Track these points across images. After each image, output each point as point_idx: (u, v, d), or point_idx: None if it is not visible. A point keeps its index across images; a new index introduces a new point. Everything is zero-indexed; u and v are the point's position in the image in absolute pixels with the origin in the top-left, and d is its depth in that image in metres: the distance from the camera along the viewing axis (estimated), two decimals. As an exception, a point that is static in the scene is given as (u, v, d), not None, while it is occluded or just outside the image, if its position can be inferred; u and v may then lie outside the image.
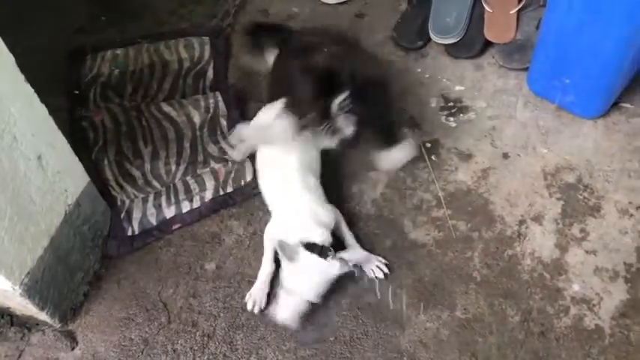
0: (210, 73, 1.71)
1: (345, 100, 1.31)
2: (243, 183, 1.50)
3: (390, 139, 1.47)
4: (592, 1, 1.32)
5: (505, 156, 1.51)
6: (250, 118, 1.57)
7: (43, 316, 1.30)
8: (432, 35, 1.72)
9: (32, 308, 1.26)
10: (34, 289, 1.20)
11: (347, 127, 1.35)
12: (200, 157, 1.54)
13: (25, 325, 1.34)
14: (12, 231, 1.11)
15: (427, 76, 1.69)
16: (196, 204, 1.47)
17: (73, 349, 1.31)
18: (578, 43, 1.41)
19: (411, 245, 1.40)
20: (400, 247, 1.40)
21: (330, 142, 1.40)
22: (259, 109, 1.53)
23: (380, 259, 1.36)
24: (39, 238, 1.20)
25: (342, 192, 1.49)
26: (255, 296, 1.33)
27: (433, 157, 1.53)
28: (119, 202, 1.47)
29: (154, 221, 1.45)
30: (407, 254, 1.38)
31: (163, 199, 1.48)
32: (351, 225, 1.42)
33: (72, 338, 1.33)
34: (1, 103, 1.03)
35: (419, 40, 1.73)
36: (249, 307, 1.33)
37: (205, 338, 1.31)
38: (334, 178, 1.51)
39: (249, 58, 1.70)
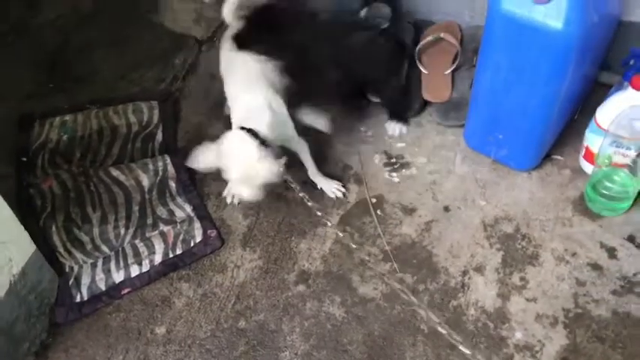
0: (159, 137, 1.74)
1: None
2: (192, 244, 1.51)
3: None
4: (516, 62, 1.42)
5: (446, 209, 1.58)
6: (198, 180, 1.61)
7: (-14, 390, 1.27)
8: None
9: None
10: (-24, 363, 1.18)
11: None
12: (149, 220, 1.56)
13: (-32, 400, 1.31)
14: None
15: (369, 134, 1.76)
16: (145, 267, 1.48)
17: (18, 423, 1.28)
18: (507, 101, 1.50)
19: (360, 300, 1.43)
20: (350, 302, 1.42)
21: None
22: (216, 172, 1.57)
23: (338, 183, 1.60)
24: (-18, 310, 1.19)
25: (290, 249, 1.52)
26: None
27: (379, 212, 1.58)
28: (67, 269, 1.46)
29: (102, 286, 1.45)
30: (356, 309, 1.41)
31: (112, 263, 1.48)
32: (301, 282, 1.45)
33: (17, 412, 1.30)
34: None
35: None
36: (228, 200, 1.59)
37: (156, 404, 1.30)
38: (283, 233, 1.55)
39: (198, 120, 1.75)
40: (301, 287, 1.46)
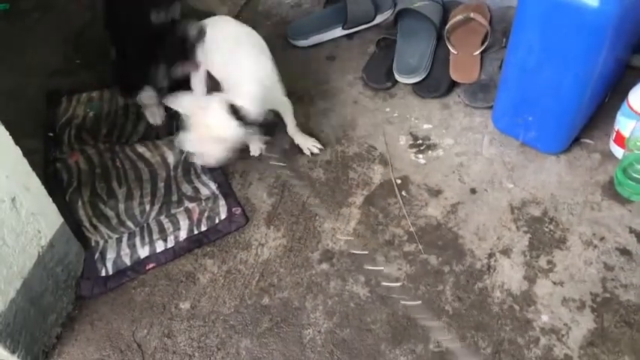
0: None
1: None
2: (217, 221, 1.51)
3: None
4: (549, 42, 1.39)
5: (473, 191, 1.56)
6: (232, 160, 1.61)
7: (13, 359, 1.28)
8: (396, 75, 1.78)
9: (2, 352, 1.24)
10: (5, 332, 1.19)
11: None
12: (174, 197, 1.56)
13: (-4, 369, 1.33)
14: (-17, 275, 1.12)
15: (396, 115, 1.74)
16: (170, 243, 1.48)
17: (45, 392, 1.30)
18: (538, 82, 1.48)
19: (384, 280, 1.42)
20: (373, 282, 1.42)
21: None
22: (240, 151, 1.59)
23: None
24: (11, 281, 1.20)
25: (314, 228, 1.52)
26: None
27: (404, 193, 1.57)
28: (93, 243, 1.47)
29: (128, 261, 1.46)
30: (380, 289, 1.40)
31: (137, 239, 1.48)
32: (325, 261, 1.45)
33: (44, 382, 1.32)
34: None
35: (387, 81, 1.79)
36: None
37: (180, 379, 1.31)
38: (307, 213, 1.54)
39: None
40: (325, 266, 1.45)
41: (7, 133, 1.12)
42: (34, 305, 1.27)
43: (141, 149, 1.64)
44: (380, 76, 1.80)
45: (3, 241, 1.14)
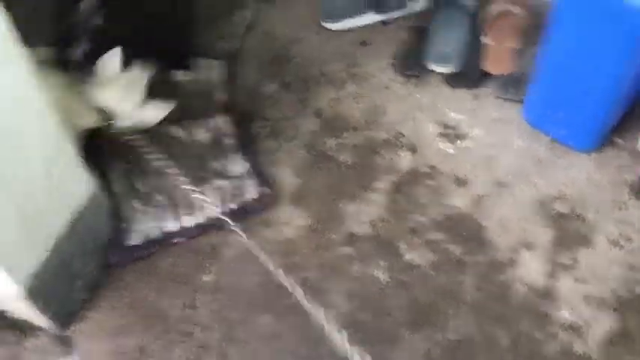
0: (220, 96, 1.73)
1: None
2: (245, 200, 1.53)
3: None
4: (586, 39, 1.38)
5: (500, 184, 1.56)
6: (254, 139, 1.63)
7: (39, 320, 1.32)
8: (428, 63, 1.77)
9: (29, 312, 1.28)
10: (36, 291, 1.22)
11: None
12: (204, 174, 1.57)
13: (20, 329, 1.36)
14: (19, 235, 1.14)
15: (426, 103, 1.74)
16: (198, 219, 1.50)
17: (69, 354, 1.33)
18: (572, 79, 1.47)
19: (406, 266, 1.43)
20: (395, 268, 1.43)
21: None
22: (264, 127, 1.60)
23: None
24: (44, 243, 1.22)
25: (339, 210, 1.53)
26: None
27: (430, 182, 1.57)
28: (122, 213, 1.49)
29: (155, 233, 1.48)
30: (402, 275, 1.41)
31: (166, 213, 1.50)
32: (348, 244, 1.46)
33: (68, 344, 1.35)
34: (17, 110, 1.06)
35: (419, 69, 1.79)
36: None
37: (200, 349, 1.33)
38: (333, 195, 1.55)
39: (254, 78, 1.76)
40: (348, 249, 1.47)
41: (46, 97, 1.14)
42: (64, 268, 1.30)
43: (173, 127, 1.65)
44: (412, 63, 1.79)
45: (38, 203, 1.17)
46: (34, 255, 1.20)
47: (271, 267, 1.44)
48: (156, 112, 1.59)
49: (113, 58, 1.57)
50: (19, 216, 1.13)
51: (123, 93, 1.57)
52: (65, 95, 1.49)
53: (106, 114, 1.54)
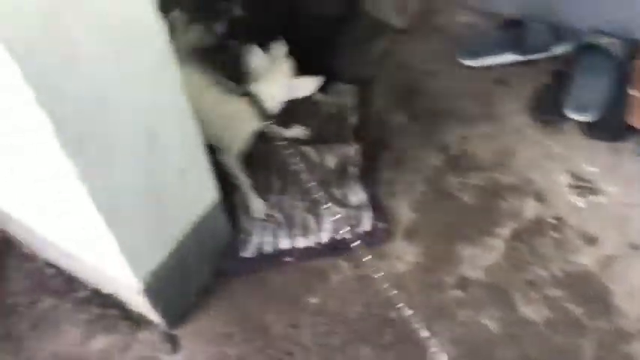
0: (352, 121, 1.75)
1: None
2: (360, 231, 1.52)
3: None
4: None
5: (634, 247, 1.44)
6: (376, 168, 1.63)
7: (153, 316, 1.38)
8: (567, 111, 1.68)
9: (145, 306, 1.34)
10: (153, 288, 1.28)
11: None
12: (324, 198, 1.58)
13: (136, 321, 1.43)
14: (146, 233, 1.21)
15: (559, 151, 1.65)
16: (311, 242, 1.51)
17: (174, 353, 1.38)
18: None
19: (520, 320, 1.35)
20: (508, 319, 1.35)
21: None
22: (387, 157, 1.59)
23: None
24: (167, 243, 1.28)
25: (454, 251, 1.48)
26: None
27: (555, 234, 1.48)
28: (241, 225, 1.53)
29: (268, 249, 1.51)
30: (514, 328, 1.34)
31: (281, 230, 1.53)
32: (459, 287, 1.41)
33: (175, 342, 1.40)
34: (163, 117, 1.12)
35: (556, 115, 1.70)
36: None
37: (298, 370, 1.34)
38: (449, 234, 1.51)
39: (383, 107, 1.77)
40: (458, 293, 1.42)
41: (189, 108, 1.20)
42: (181, 270, 1.35)
43: (304, 148, 1.68)
44: (549, 108, 1.72)
45: (168, 206, 1.23)
46: (156, 254, 1.26)
47: (377, 299, 1.42)
48: (305, 86, 1.58)
49: (256, 51, 1.59)
50: (150, 216, 1.19)
51: (275, 82, 1.57)
52: (224, 101, 1.54)
53: (264, 112, 1.56)
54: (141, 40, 1.01)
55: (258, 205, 1.55)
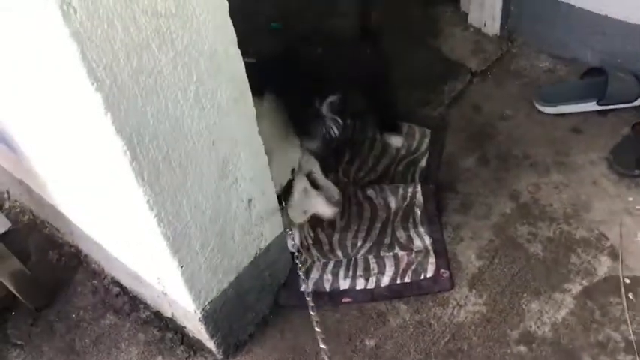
0: (422, 164, 1.74)
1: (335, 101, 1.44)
2: (422, 277, 1.49)
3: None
4: None
5: None
6: (442, 211, 1.60)
7: (210, 344, 1.39)
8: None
9: (203, 334, 1.35)
10: (211, 316, 1.30)
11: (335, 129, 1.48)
12: (387, 240, 1.57)
13: (192, 347, 1.44)
14: (209, 261, 1.22)
15: (638, 207, 1.57)
16: (371, 285, 1.49)
17: (226, 382, 1.39)
18: None
19: (587, 384, 1.28)
20: (573, 382, 1.29)
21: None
22: (454, 200, 1.56)
23: None
24: (228, 273, 1.30)
25: (519, 305, 1.42)
26: None
27: (630, 296, 1.40)
28: (302, 259, 1.53)
29: (327, 287, 1.50)
30: (580, 392, 1.27)
31: (342, 269, 1.52)
32: (523, 343, 1.35)
33: (228, 372, 1.40)
34: (236, 148, 1.14)
35: (637, 169, 1.63)
36: None
37: (348, 413, 1.31)
38: (515, 286, 1.46)
39: (453, 150, 1.74)
40: (522, 348, 1.36)
41: (260, 140, 1.22)
42: (240, 300, 1.36)
43: (368, 191, 1.67)
44: (630, 161, 1.64)
45: (232, 236, 1.25)
46: (217, 283, 1.28)
47: (436, 348, 1.38)
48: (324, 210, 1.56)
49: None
50: (215, 246, 1.21)
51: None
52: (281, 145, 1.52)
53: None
54: (221, 74, 1.03)
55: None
